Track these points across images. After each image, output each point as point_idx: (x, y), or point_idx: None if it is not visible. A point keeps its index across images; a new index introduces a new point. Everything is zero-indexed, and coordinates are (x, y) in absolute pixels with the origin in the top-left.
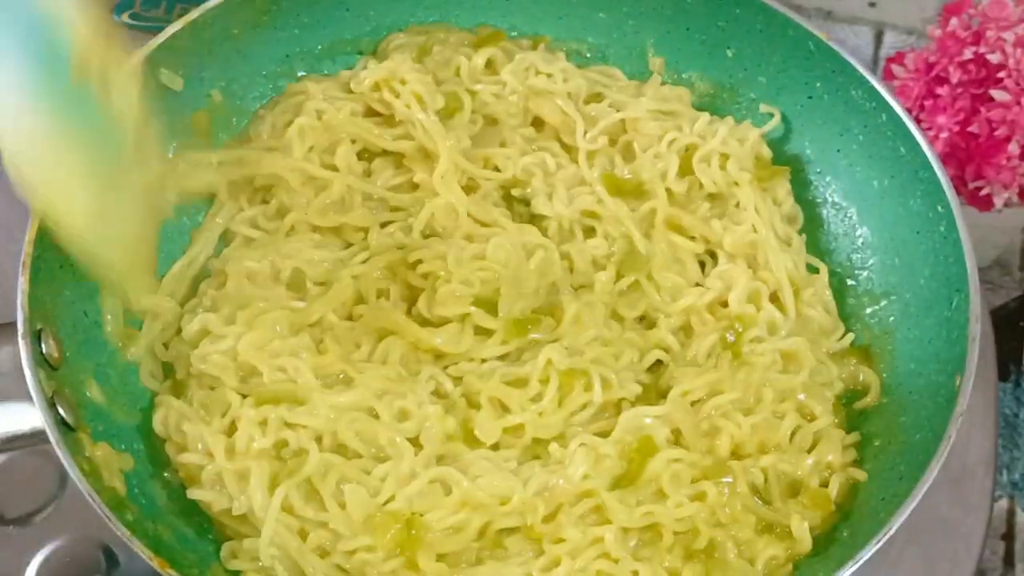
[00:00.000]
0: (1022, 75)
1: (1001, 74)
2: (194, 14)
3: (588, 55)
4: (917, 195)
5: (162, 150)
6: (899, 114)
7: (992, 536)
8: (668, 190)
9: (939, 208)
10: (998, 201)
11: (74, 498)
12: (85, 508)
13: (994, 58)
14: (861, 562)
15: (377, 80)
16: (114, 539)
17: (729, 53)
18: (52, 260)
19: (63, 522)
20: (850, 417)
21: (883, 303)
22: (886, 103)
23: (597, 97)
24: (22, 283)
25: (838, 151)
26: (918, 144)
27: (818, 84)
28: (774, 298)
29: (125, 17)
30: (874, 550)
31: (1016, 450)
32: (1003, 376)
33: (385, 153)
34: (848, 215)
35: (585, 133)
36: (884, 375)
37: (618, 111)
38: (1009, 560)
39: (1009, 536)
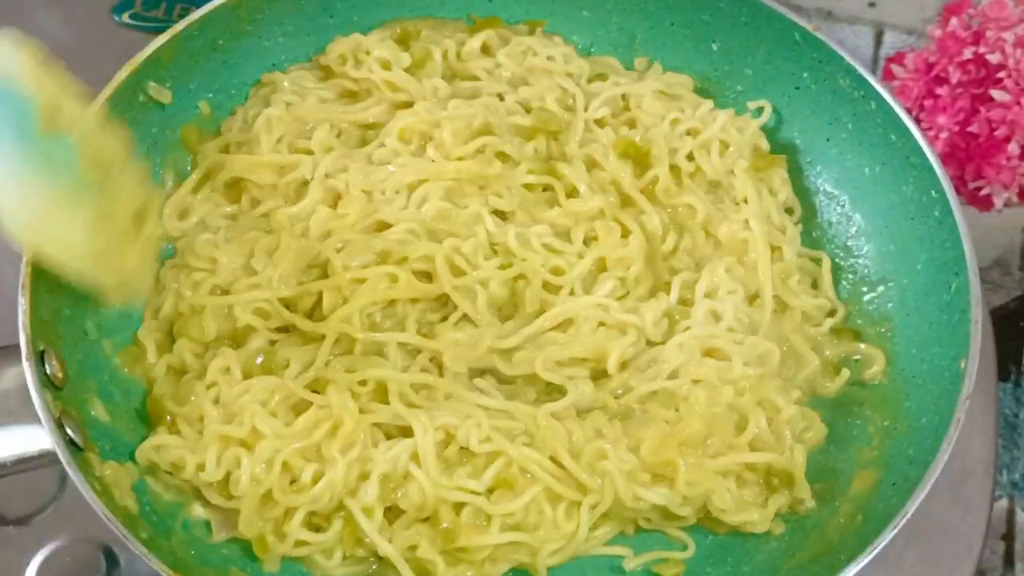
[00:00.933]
0: (1022, 75)
1: (1001, 74)
2: (179, 26)
3: None
4: (909, 181)
5: (145, 178)
6: (888, 101)
7: (992, 536)
8: (675, 167)
9: (933, 193)
10: (998, 201)
11: (74, 498)
12: (85, 508)
13: (994, 58)
14: (880, 547)
15: (343, 52)
16: (114, 540)
17: (714, 47)
18: (50, 280)
19: (63, 522)
20: (854, 400)
21: (880, 289)
22: (875, 91)
23: (601, 76)
24: (23, 304)
25: (828, 140)
26: (908, 130)
27: (805, 74)
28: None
29: (125, 17)
30: (893, 534)
31: (1016, 450)
32: (1003, 376)
33: (365, 128)
34: (841, 203)
35: (586, 107)
36: (886, 360)
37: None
38: (1009, 560)
39: (1009, 536)
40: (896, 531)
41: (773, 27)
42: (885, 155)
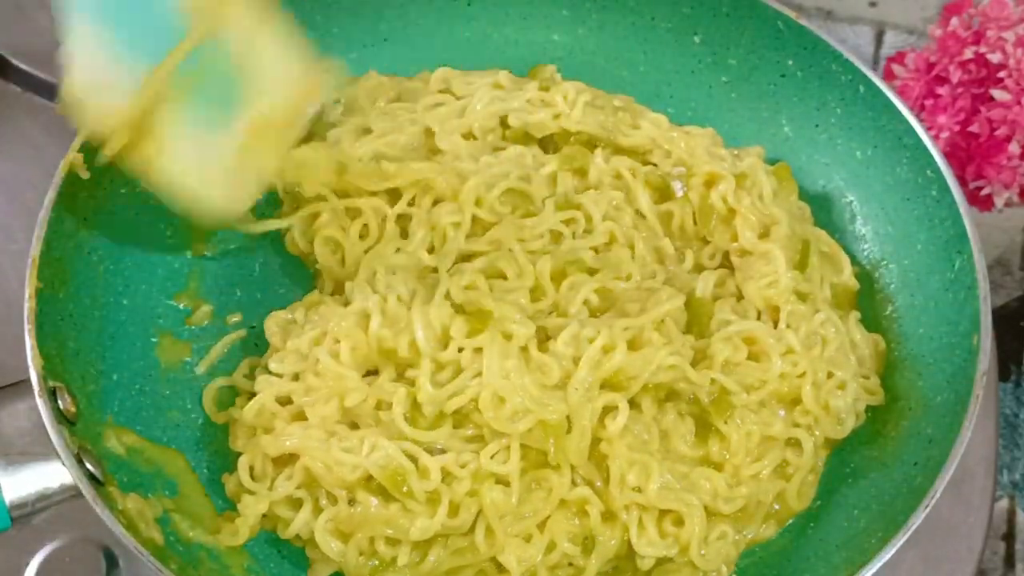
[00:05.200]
0: (1022, 75)
1: (1001, 74)
2: None
3: (556, 53)
4: (903, 162)
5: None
6: (877, 84)
7: (993, 536)
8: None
9: (928, 173)
10: (999, 201)
11: (74, 499)
12: (85, 508)
13: (994, 58)
14: (913, 528)
15: None
16: (114, 540)
17: (696, 39)
18: (54, 314)
19: (63, 522)
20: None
21: (880, 270)
22: (862, 75)
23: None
24: (30, 340)
25: (817, 126)
26: (899, 111)
27: (790, 62)
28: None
29: None
30: (923, 516)
31: (1016, 450)
32: (1003, 376)
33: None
34: (835, 187)
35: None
36: (891, 341)
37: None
38: (1010, 560)
39: (1010, 536)
40: (927, 510)
41: (755, 16)
42: (876, 138)
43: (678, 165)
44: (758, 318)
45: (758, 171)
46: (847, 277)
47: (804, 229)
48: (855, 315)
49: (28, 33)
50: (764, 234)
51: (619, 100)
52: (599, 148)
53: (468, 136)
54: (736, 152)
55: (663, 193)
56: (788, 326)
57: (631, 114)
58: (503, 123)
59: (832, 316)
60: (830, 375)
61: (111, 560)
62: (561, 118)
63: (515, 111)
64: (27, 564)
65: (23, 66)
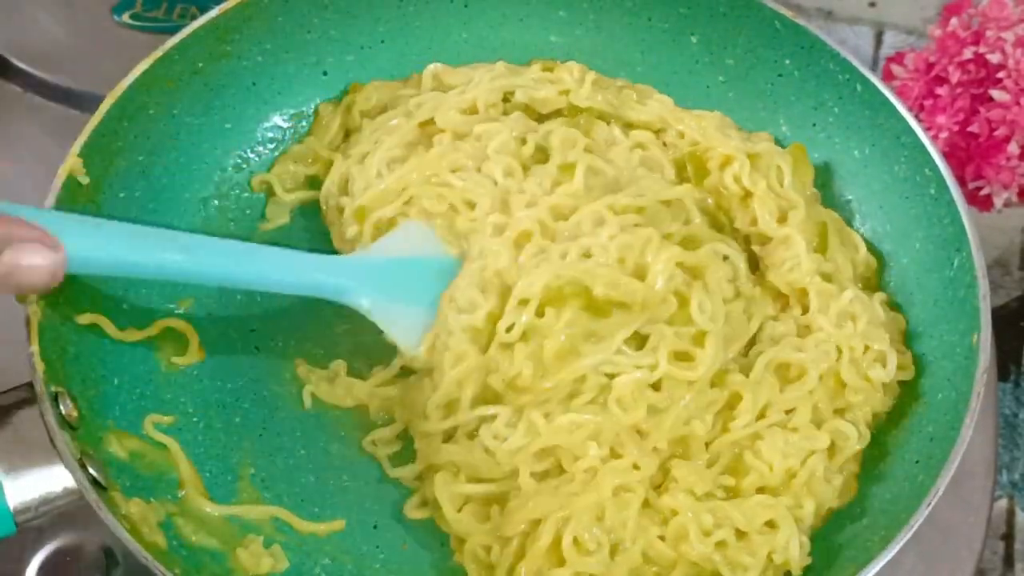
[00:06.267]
0: (1022, 75)
1: (1001, 74)
2: (158, 52)
3: (553, 55)
4: (901, 161)
5: None
6: (874, 82)
7: (992, 536)
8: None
9: (927, 171)
10: (998, 201)
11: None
12: (86, 508)
13: (994, 58)
14: (916, 526)
15: None
16: (114, 540)
17: (693, 39)
18: (55, 318)
19: (64, 522)
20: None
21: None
22: (860, 74)
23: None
24: (33, 344)
25: (814, 125)
26: (896, 110)
27: (787, 61)
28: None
29: (125, 17)
30: (926, 514)
31: (1016, 450)
32: (1003, 376)
33: None
34: (833, 186)
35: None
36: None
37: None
38: (1009, 560)
39: (1009, 536)
40: (930, 508)
41: (752, 16)
42: (874, 136)
43: (692, 146)
44: (784, 307)
45: (773, 154)
46: (864, 254)
47: (819, 211)
48: (879, 296)
49: (28, 33)
50: (782, 219)
51: (620, 82)
52: (612, 123)
53: (472, 111)
54: (748, 136)
55: (683, 174)
56: (819, 310)
57: (636, 92)
58: (506, 100)
59: (859, 293)
60: (867, 348)
61: (111, 560)
62: (570, 94)
63: (520, 86)
64: (27, 564)
65: (23, 66)
